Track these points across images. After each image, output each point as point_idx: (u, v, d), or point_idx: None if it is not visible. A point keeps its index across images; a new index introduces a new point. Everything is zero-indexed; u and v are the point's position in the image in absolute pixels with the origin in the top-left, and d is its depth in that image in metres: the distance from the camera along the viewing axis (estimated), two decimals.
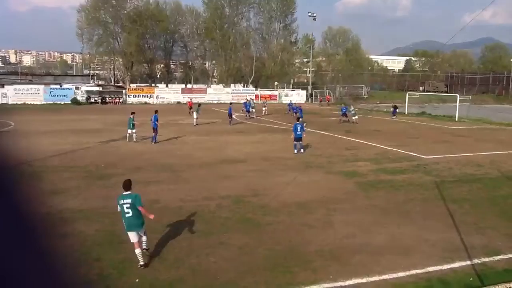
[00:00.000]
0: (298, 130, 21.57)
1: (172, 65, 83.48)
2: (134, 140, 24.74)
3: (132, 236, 8.66)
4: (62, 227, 10.67)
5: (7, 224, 0.98)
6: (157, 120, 24.96)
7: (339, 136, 28.62)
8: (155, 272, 8.30)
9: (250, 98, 48.79)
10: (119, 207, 8.80)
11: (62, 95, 58.02)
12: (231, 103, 39.70)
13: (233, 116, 35.80)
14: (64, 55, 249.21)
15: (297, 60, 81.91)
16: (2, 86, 58.32)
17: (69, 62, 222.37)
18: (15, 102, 55.15)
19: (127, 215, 8.65)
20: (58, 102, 56.48)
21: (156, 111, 25.73)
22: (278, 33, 77.40)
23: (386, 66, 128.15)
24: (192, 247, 9.50)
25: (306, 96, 71.14)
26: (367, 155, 21.66)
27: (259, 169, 18.16)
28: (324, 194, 14.21)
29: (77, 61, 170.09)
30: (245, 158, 20.42)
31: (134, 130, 24.93)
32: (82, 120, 36.62)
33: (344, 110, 38.82)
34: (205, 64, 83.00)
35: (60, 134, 27.45)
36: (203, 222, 11.14)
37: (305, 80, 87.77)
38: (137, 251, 8.62)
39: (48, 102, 56.46)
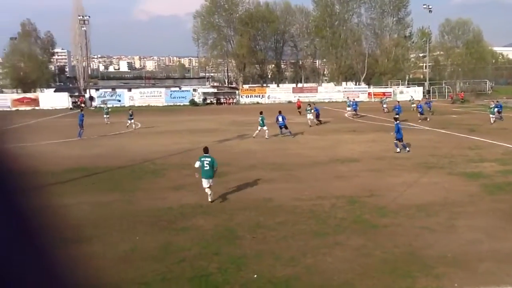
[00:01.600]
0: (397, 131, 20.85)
1: (282, 65, 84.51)
2: (266, 137, 26.13)
3: (205, 182, 12.98)
4: (182, 221, 11.32)
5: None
6: (284, 119, 27.13)
7: (461, 135, 26.77)
8: (271, 269, 8.40)
9: (353, 98, 47.60)
10: (199, 163, 13.18)
11: (181, 97, 61.69)
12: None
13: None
14: (182, 59, 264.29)
15: (412, 55, 78.17)
16: (130, 89, 63.62)
17: (186, 65, 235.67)
18: (140, 104, 59.73)
19: (205, 168, 13.05)
20: (178, 104, 60.08)
21: (279, 111, 27.82)
22: (391, 28, 74.65)
23: None
24: (308, 246, 9.47)
25: (423, 92, 67.60)
26: (493, 155, 19.96)
27: (373, 169, 17.62)
28: (446, 197, 13.35)
29: (194, 65, 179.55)
30: (359, 158, 19.94)
31: (265, 128, 26.26)
32: (199, 121, 38.55)
33: (498, 108, 34.60)
34: (316, 62, 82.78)
35: (179, 133, 29.15)
36: (318, 222, 11.05)
37: (421, 76, 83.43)
38: (207, 191, 13.00)
39: (169, 104, 60.35)
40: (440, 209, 12.02)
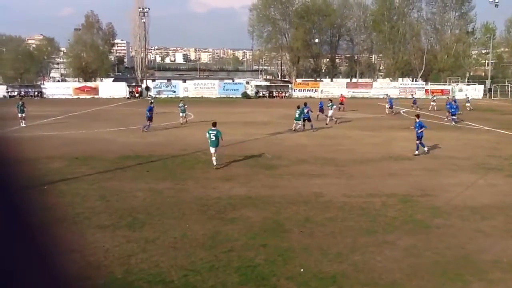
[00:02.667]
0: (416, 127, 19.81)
1: (337, 59, 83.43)
2: (293, 129, 26.71)
3: (212, 150, 16.69)
4: (231, 212, 11.48)
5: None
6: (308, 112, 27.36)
7: None
8: (318, 263, 8.38)
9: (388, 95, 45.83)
10: (207, 134, 16.94)
11: (234, 89, 62.30)
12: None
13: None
14: (236, 52, 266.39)
15: (474, 52, 75.01)
16: (184, 81, 64.98)
17: (240, 58, 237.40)
18: (194, 96, 60.89)
19: (212, 139, 16.63)
20: (231, 96, 60.71)
21: (305, 103, 28.14)
22: (453, 23, 71.99)
23: None
24: (356, 243, 9.38)
25: (484, 91, 64.73)
26: None
27: (427, 168, 17.13)
28: (503, 200, 12.79)
29: (247, 57, 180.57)
30: (412, 156, 19.44)
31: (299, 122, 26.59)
32: (251, 113, 38.82)
33: None
34: (371, 57, 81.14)
35: (232, 125, 29.41)
36: (368, 220, 10.90)
37: (483, 74, 79.90)
38: (213, 158, 16.63)
39: (222, 96, 61.12)
40: (497, 213, 11.54)
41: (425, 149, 19.71)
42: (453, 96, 48.24)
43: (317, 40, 73.13)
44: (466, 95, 50.43)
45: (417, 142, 19.64)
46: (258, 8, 72.66)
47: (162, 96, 60.64)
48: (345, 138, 24.94)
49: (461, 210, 11.71)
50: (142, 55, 74.16)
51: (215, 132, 16.70)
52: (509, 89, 65.40)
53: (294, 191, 13.58)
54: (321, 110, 32.94)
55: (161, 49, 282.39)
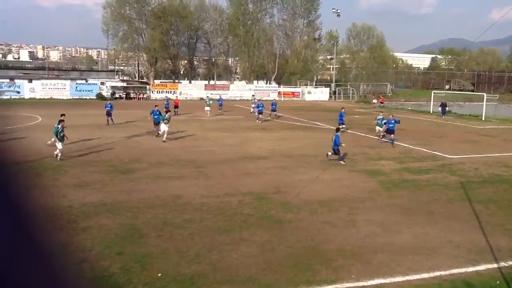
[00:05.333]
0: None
1: (195, 62, 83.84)
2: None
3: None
4: (83, 221, 10.83)
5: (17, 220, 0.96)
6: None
7: (362, 135, 28.33)
8: (176, 266, 8.33)
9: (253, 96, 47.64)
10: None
11: (88, 90, 58.84)
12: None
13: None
14: (90, 50, 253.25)
15: (320, 57, 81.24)
16: (30, 80, 59.57)
17: (95, 57, 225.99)
18: (42, 97, 56.20)
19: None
20: (84, 97, 57.28)
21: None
22: (301, 30, 76.93)
23: (411, 64, 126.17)
24: (214, 243, 9.52)
25: (330, 93, 70.60)
26: (390, 154, 21.39)
27: (281, 166, 18.10)
28: (347, 193, 14.09)
29: (102, 57, 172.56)
30: (267, 155, 20.36)
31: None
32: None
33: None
34: (228, 60, 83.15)
35: (85, 128, 27.83)
36: (225, 219, 11.14)
37: (329, 78, 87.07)
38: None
39: (74, 97, 57.34)
40: (341, 205, 12.66)
41: (342, 162, 18.92)
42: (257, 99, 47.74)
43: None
44: (253, 95, 49.96)
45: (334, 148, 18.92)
46: (112, 6, 69.74)
47: (4, 97, 54.93)
48: (205, 139, 25.18)
49: (310, 204, 12.59)
50: None
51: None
52: (351, 91, 72.24)
53: (152, 194, 13.31)
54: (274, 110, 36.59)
55: (2, 45, 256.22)
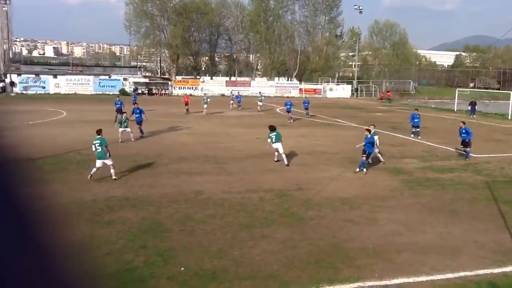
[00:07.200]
0: None
1: (216, 58, 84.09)
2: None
3: (98, 163, 14.13)
4: (108, 214, 10.98)
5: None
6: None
7: (385, 132, 28.00)
8: (199, 261, 8.38)
9: (238, 92, 47.19)
10: (93, 147, 14.29)
11: (111, 86, 59.60)
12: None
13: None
14: (113, 46, 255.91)
15: (342, 54, 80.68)
16: (55, 76, 60.57)
17: (117, 53, 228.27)
18: (66, 92, 57.14)
19: (98, 151, 14.13)
20: (107, 93, 57.99)
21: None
22: (323, 27, 76.53)
23: (435, 61, 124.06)
24: (236, 239, 9.54)
25: (352, 90, 70.04)
26: (414, 152, 21.10)
27: (302, 163, 18.04)
28: (369, 191, 13.96)
29: (125, 53, 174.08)
30: (288, 152, 20.28)
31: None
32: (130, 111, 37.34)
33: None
34: (249, 57, 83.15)
35: (108, 123, 28.12)
36: (246, 215, 11.16)
37: (351, 75, 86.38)
38: (93, 170, 14.08)
39: (97, 93, 58.14)
40: (363, 203, 12.55)
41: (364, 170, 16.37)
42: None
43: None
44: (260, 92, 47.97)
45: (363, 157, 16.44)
46: (135, 2, 70.37)
47: (30, 92, 56.02)
48: (225, 135, 25.24)
49: (332, 202, 12.52)
50: (4, 47, 67.67)
51: (98, 142, 14.28)
52: (373, 89, 71.54)
53: (174, 189, 13.42)
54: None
55: (28, 41, 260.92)
